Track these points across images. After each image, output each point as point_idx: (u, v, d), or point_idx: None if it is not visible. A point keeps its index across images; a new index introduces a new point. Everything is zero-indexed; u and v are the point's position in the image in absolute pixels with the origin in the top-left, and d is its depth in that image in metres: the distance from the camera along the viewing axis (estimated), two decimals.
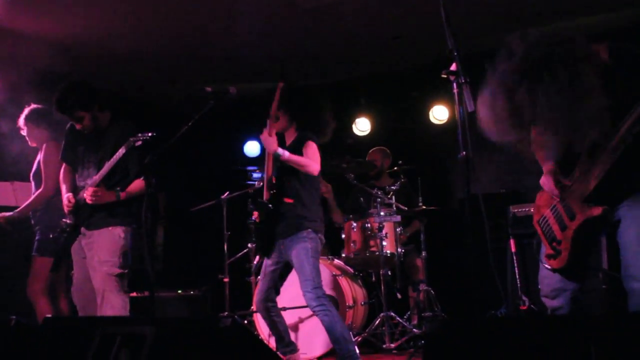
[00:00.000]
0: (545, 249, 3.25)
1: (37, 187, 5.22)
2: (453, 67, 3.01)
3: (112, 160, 4.24)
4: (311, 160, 4.35)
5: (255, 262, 5.99)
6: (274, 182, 4.43)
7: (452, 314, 5.91)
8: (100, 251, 4.33)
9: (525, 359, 2.10)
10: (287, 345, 4.53)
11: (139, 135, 4.10)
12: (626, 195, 2.99)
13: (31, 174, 5.36)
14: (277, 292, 4.58)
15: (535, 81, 2.72)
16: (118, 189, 4.34)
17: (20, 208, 5.21)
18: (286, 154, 4.30)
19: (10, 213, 5.20)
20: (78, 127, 4.46)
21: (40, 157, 5.29)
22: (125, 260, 4.37)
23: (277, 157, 4.30)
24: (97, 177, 4.30)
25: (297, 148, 4.42)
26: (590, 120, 2.76)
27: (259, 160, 7.52)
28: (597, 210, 2.98)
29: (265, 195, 4.47)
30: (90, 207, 4.34)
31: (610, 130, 2.88)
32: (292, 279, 4.72)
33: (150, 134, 4.10)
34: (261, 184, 6.31)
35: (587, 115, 2.73)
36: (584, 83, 2.71)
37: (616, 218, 3.02)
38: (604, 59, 2.90)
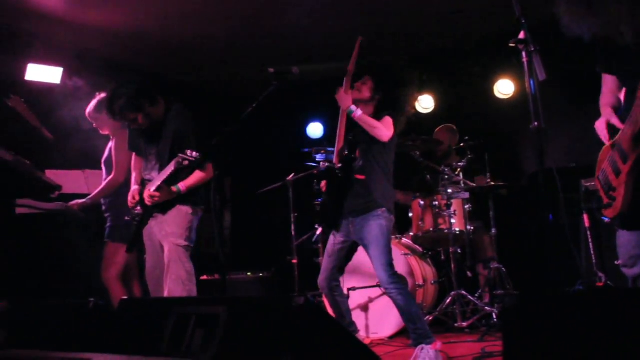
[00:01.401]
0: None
1: (108, 174, 5.33)
2: (521, 35, 2.93)
3: (163, 172, 4.29)
4: (384, 126, 4.28)
5: (317, 234, 5.98)
6: (345, 154, 4.38)
7: (525, 292, 5.79)
8: (168, 225, 4.40)
9: (609, 336, 2.01)
10: (349, 325, 4.51)
11: (188, 154, 4.13)
12: None
13: (102, 161, 5.48)
14: (342, 272, 4.54)
15: None
16: (178, 186, 4.37)
17: (92, 195, 5.33)
18: (359, 112, 4.26)
19: (83, 200, 5.33)
20: (133, 127, 4.53)
21: (112, 144, 5.40)
22: (191, 235, 4.43)
23: (349, 114, 4.27)
24: (155, 183, 4.36)
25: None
26: None
27: (322, 142, 7.50)
28: None
29: (336, 159, 4.41)
30: None
31: None
32: (360, 258, 4.70)
33: (197, 154, 4.13)
34: (326, 164, 6.29)
35: None
36: None
37: None
38: None
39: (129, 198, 4.55)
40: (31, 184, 5.07)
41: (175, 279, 4.28)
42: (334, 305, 4.50)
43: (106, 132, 5.45)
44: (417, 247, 5.94)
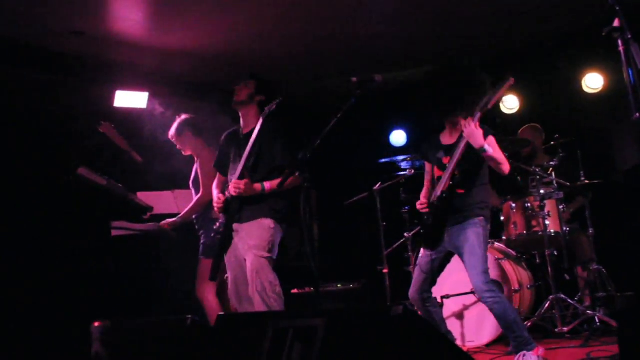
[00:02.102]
0: None
1: (197, 193, 5.43)
2: (616, 23, 2.79)
3: (251, 140, 4.32)
4: (500, 154, 4.14)
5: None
6: (456, 174, 4.19)
7: (628, 294, 5.51)
8: (249, 238, 4.43)
9: None
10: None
11: (271, 104, 4.22)
12: None
13: (190, 182, 5.59)
14: (434, 283, 4.45)
15: None
16: (263, 184, 4.41)
17: (182, 214, 5.44)
18: (491, 149, 4.05)
19: (174, 219, 5.45)
20: (235, 88, 4.62)
21: (197, 164, 5.50)
22: (273, 249, 4.44)
23: (481, 152, 4.03)
24: (240, 167, 4.40)
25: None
26: None
27: (405, 150, 7.42)
28: None
29: (444, 186, 4.22)
30: (239, 201, 4.45)
31: None
32: (453, 266, 4.60)
33: (280, 99, 4.23)
34: (412, 171, 6.22)
35: None
36: None
37: None
38: None
39: (215, 200, 4.61)
40: (124, 206, 5.24)
41: (260, 290, 4.31)
42: (427, 317, 4.40)
43: (189, 153, 5.58)
44: (511, 251, 5.75)
